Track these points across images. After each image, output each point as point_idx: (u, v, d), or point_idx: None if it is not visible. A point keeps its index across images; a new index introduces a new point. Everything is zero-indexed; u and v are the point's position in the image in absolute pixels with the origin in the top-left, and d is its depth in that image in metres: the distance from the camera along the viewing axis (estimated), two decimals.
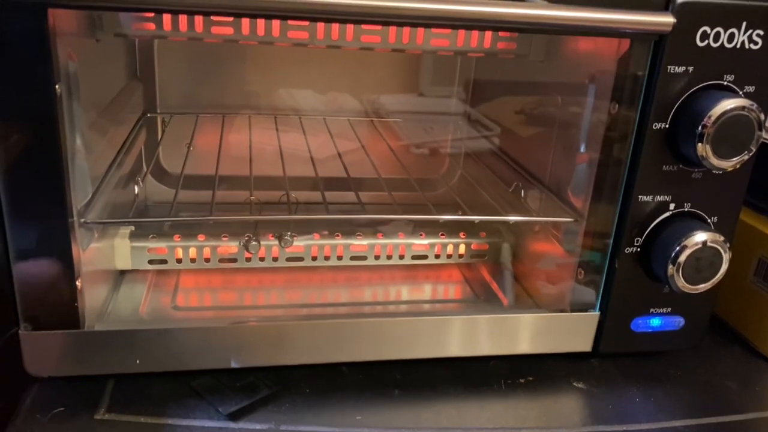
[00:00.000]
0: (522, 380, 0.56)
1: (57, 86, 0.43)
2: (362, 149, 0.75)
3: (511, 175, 0.69)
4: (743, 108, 0.48)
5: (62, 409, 0.48)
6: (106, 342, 0.50)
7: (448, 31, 0.60)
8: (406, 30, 0.59)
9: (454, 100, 0.84)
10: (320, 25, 0.59)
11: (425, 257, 0.69)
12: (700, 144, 0.49)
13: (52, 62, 0.42)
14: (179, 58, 0.76)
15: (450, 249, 0.70)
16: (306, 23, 0.58)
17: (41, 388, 0.50)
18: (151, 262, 0.64)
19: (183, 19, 0.57)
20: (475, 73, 0.82)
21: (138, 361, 0.51)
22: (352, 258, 0.67)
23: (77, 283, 0.48)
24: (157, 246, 0.63)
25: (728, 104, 0.48)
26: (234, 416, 0.49)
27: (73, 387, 0.50)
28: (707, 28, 0.48)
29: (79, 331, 0.49)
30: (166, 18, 0.56)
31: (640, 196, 0.53)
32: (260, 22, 0.58)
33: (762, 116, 0.49)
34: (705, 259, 0.52)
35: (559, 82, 0.62)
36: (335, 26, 0.59)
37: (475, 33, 0.61)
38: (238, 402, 0.50)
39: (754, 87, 0.51)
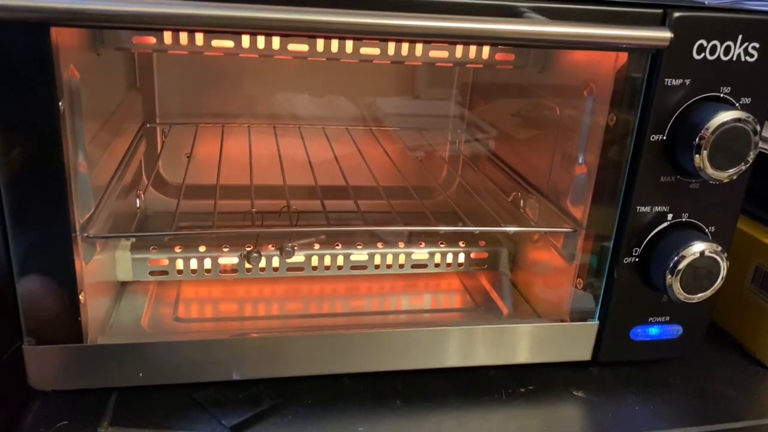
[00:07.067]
0: (522, 389, 0.57)
1: (60, 103, 0.44)
2: (361, 158, 0.75)
3: (509, 184, 0.70)
4: (740, 120, 0.49)
5: (65, 422, 0.48)
6: (109, 356, 0.50)
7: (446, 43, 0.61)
8: (405, 43, 0.60)
9: (452, 106, 0.84)
10: (320, 39, 0.59)
11: (425, 266, 0.70)
12: (697, 155, 0.49)
13: (55, 80, 0.43)
14: (178, 68, 0.76)
15: (449, 258, 0.70)
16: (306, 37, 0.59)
17: (44, 402, 0.50)
18: (152, 273, 0.64)
19: (183, 33, 0.57)
20: (474, 77, 0.82)
21: (141, 374, 0.51)
22: (352, 267, 0.68)
23: (80, 297, 0.48)
24: (158, 257, 0.64)
25: (725, 116, 0.48)
26: (237, 428, 0.49)
27: (76, 400, 0.50)
28: (704, 42, 0.49)
29: (82, 345, 0.49)
30: (167, 32, 0.57)
31: (638, 207, 0.53)
32: (260, 36, 0.58)
33: (758, 127, 0.49)
34: (703, 268, 0.52)
35: (557, 93, 0.63)
36: (335, 40, 0.59)
37: (474, 45, 0.61)
38: (241, 414, 0.51)
39: (750, 99, 0.51)
